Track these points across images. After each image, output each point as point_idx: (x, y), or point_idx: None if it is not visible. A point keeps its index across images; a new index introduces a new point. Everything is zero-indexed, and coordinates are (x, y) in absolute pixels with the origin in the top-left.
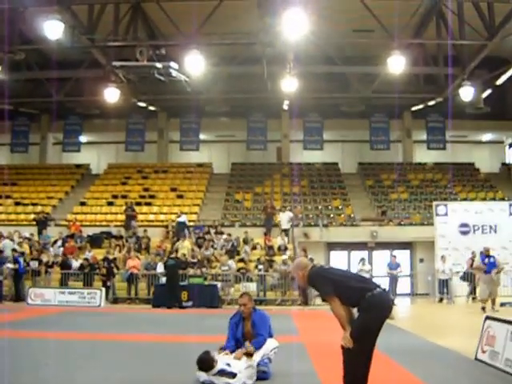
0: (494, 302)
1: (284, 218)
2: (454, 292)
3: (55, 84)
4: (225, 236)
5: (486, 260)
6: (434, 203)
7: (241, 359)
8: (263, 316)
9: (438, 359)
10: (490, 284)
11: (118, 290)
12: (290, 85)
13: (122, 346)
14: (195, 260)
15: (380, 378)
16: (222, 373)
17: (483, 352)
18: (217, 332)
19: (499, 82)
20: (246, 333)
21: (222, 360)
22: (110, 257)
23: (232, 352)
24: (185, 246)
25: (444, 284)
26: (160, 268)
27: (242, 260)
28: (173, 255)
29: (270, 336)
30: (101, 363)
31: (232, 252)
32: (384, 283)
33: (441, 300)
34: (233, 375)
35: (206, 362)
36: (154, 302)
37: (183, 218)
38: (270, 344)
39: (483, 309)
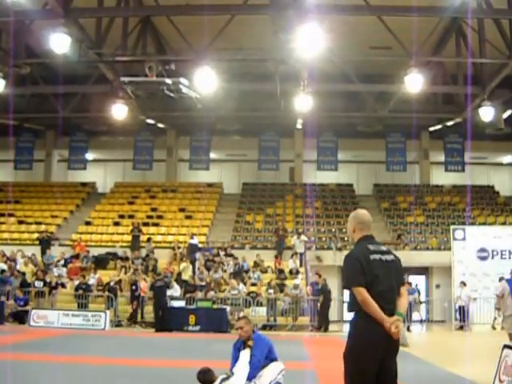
0: None
1: (298, 243)
2: (471, 319)
3: (61, 99)
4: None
5: None
6: (452, 227)
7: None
8: (261, 339)
9: None
10: None
11: (122, 313)
12: (303, 103)
13: (125, 370)
14: (203, 283)
15: None
16: (223, 380)
17: (501, 382)
18: (224, 358)
19: None
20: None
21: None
22: (113, 281)
23: None
24: (190, 269)
25: (462, 311)
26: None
27: (253, 284)
28: (160, 276)
29: (273, 360)
30: None
31: (238, 275)
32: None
33: (461, 328)
34: (232, 373)
35: (207, 375)
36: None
37: (195, 240)
38: (276, 367)
39: None
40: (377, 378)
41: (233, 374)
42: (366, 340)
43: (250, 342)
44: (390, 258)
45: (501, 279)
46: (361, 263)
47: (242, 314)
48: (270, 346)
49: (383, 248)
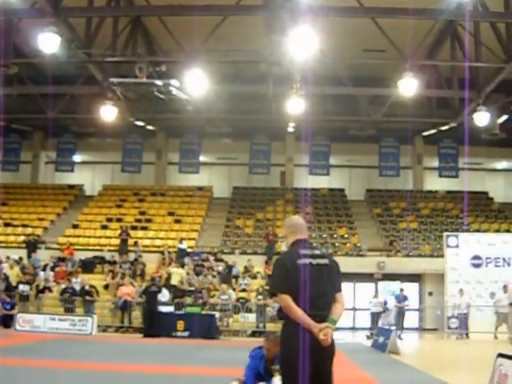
0: None
1: None
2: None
3: (49, 100)
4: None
5: None
6: (445, 234)
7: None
8: None
9: None
10: None
11: (109, 317)
12: (296, 106)
13: (113, 376)
14: (192, 288)
15: None
16: None
17: None
18: (213, 364)
19: None
20: (269, 370)
21: None
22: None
23: None
24: (179, 273)
25: (461, 319)
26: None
27: (242, 290)
28: (154, 281)
29: None
30: None
31: (227, 279)
32: (391, 316)
33: (467, 335)
34: None
35: None
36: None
37: (184, 245)
38: None
39: None
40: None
41: None
42: (293, 348)
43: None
44: (322, 262)
45: (504, 287)
46: (286, 269)
47: (230, 320)
48: None
49: (317, 252)
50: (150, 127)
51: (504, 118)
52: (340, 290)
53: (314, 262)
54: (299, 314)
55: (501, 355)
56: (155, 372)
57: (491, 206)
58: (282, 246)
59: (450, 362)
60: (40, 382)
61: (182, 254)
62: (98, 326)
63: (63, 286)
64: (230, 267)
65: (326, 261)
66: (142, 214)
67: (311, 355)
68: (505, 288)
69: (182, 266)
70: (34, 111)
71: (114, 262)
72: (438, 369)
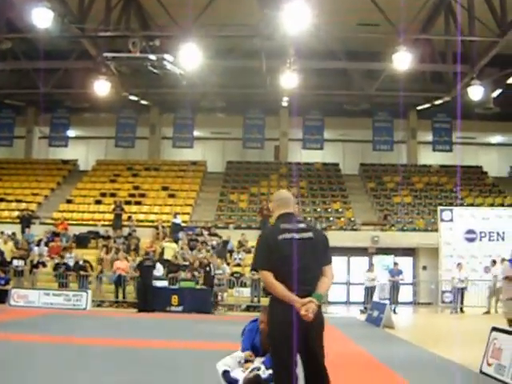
0: None
1: None
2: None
3: (43, 75)
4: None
5: None
6: (439, 208)
7: None
8: None
9: (441, 371)
10: None
11: (104, 292)
12: (289, 80)
13: (108, 351)
14: (187, 263)
15: None
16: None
17: (489, 365)
18: (208, 338)
19: (510, 81)
20: (264, 344)
21: (260, 370)
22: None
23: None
24: (172, 248)
25: (459, 293)
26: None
27: (237, 264)
28: (148, 256)
29: None
30: (87, 368)
31: (222, 253)
32: (385, 290)
33: (461, 310)
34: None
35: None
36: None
37: (178, 220)
38: None
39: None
40: (303, 361)
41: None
42: (277, 324)
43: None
44: (307, 235)
45: (502, 261)
46: (268, 244)
47: (225, 295)
48: None
49: (301, 225)
50: (143, 102)
51: (498, 92)
52: (327, 264)
53: (298, 236)
54: (280, 289)
55: (495, 329)
56: (150, 347)
57: (485, 181)
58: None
59: (445, 336)
60: (35, 356)
61: (175, 228)
62: (93, 301)
63: (57, 261)
64: (225, 242)
65: (310, 234)
66: (136, 188)
67: (297, 330)
68: (494, 263)
69: (176, 240)
70: (28, 86)
71: (108, 237)
72: (432, 343)
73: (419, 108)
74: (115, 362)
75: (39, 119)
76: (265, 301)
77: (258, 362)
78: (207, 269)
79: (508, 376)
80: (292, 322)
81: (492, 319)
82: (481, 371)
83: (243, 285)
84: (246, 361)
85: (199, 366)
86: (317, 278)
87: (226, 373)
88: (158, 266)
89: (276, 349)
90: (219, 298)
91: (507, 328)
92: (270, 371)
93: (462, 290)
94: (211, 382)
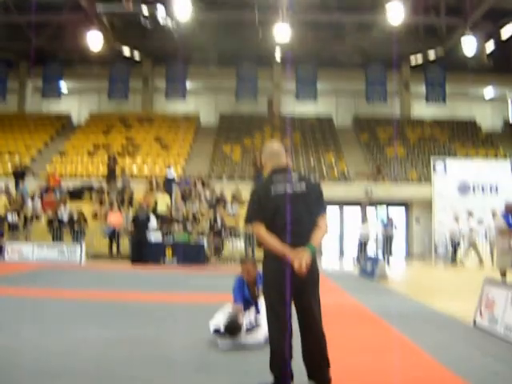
0: None
1: None
2: (452, 254)
3: (35, 28)
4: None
5: (510, 219)
6: (432, 158)
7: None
8: None
9: (433, 323)
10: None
11: (98, 245)
12: (282, 33)
13: (104, 304)
14: (180, 215)
15: (373, 341)
16: (249, 329)
17: (482, 317)
18: (203, 290)
19: (503, 34)
20: (253, 294)
21: (245, 319)
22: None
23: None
24: (165, 200)
25: (457, 245)
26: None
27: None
28: (143, 209)
29: None
30: (78, 322)
31: (215, 207)
32: (378, 243)
33: (461, 262)
34: (258, 325)
35: (237, 329)
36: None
37: (171, 172)
38: None
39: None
40: (298, 314)
41: (257, 325)
42: (271, 276)
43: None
44: (299, 186)
45: (494, 215)
46: (259, 197)
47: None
48: None
49: (294, 177)
50: (136, 55)
51: (491, 45)
52: (321, 214)
53: (290, 187)
54: (271, 242)
55: (488, 282)
56: (145, 299)
57: (478, 134)
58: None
59: (438, 289)
60: (29, 311)
61: (169, 181)
62: (87, 255)
63: (51, 215)
64: (218, 199)
65: (303, 185)
66: (129, 141)
67: (291, 281)
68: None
69: (170, 193)
70: (20, 40)
71: (102, 190)
72: (425, 295)
73: (412, 60)
74: (108, 315)
75: (32, 73)
76: (259, 252)
77: (252, 312)
78: (214, 221)
79: (501, 327)
80: (286, 274)
81: (485, 272)
82: (474, 323)
83: (237, 237)
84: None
85: (192, 318)
86: (310, 229)
87: (216, 332)
88: (152, 219)
89: (270, 301)
90: (212, 250)
91: (500, 280)
92: (257, 318)
93: (459, 243)
94: (204, 334)
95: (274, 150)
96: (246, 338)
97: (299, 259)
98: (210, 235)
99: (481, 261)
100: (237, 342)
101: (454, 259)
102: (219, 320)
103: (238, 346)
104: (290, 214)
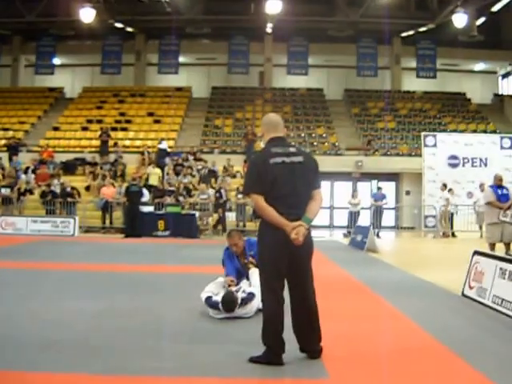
0: (508, 247)
1: None
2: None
3: (27, 3)
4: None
5: (499, 192)
6: (423, 134)
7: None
8: (252, 243)
9: (422, 293)
10: (500, 224)
11: (91, 218)
12: (274, 7)
13: (96, 275)
14: (172, 188)
15: (362, 311)
16: (244, 302)
17: (470, 288)
18: (195, 262)
19: (494, 9)
20: (244, 266)
21: (240, 291)
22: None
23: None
24: (156, 173)
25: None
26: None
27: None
28: (135, 181)
29: None
30: (76, 293)
31: (207, 179)
32: (368, 215)
33: (453, 234)
34: (253, 295)
35: (233, 304)
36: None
37: (164, 145)
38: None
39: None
40: (290, 286)
41: (250, 296)
42: (268, 247)
43: (252, 260)
44: (296, 159)
45: (481, 185)
46: (258, 169)
47: (210, 219)
48: None
49: (291, 149)
50: (128, 29)
51: (482, 19)
52: (317, 188)
53: (288, 160)
54: (270, 213)
55: (477, 253)
56: (138, 271)
57: (468, 107)
58: (261, 145)
59: (428, 260)
60: (22, 282)
61: (161, 154)
62: (80, 227)
63: (44, 189)
64: (210, 171)
65: (300, 158)
66: (122, 114)
67: (286, 252)
68: (481, 187)
69: (162, 166)
70: (13, 15)
71: (95, 164)
72: (415, 266)
73: (403, 35)
74: (100, 286)
75: (25, 48)
76: (250, 225)
77: (245, 284)
78: (218, 194)
79: (489, 299)
80: (282, 245)
81: (474, 243)
82: (463, 294)
83: (228, 209)
84: (229, 286)
85: (184, 289)
86: (306, 201)
87: (208, 299)
88: (145, 191)
89: (266, 274)
90: (204, 222)
91: (489, 252)
92: (250, 290)
93: (452, 215)
94: (196, 305)
95: (273, 122)
96: (239, 310)
97: (297, 231)
98: (215, 208)
99: (444, 234)
100: (231, 315)
101: (448, 231)
102: (211, 288)
103: (230, 316)
104: (288, 185)
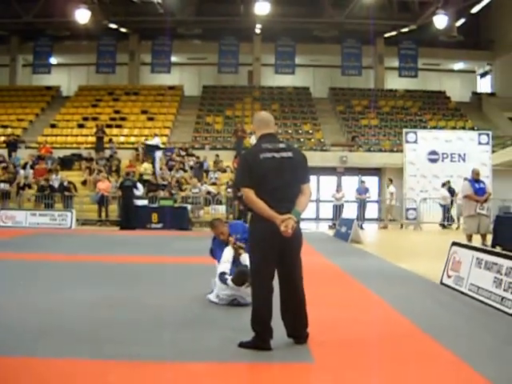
0: (484, 238)
1: None
2: (421, 218)
3: (24, 4)
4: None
5: (476, 185)
6: (404, 130)
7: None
8: (237, 224)
9: (403, 282)
10: (477, 216)
11: (87, 212)
12: (262, 8)
13: (92, 266)
14: (165, 182)
15: (345, 299)
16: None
17: (448, 277)
18: (187, 253)
19: (474, 10)
20: (235, 251)
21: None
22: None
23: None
24: (146, 168)
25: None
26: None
27: (212, 183)
28: (129, 176)
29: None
30: (72, 283)
31: (198, 174)
32: (353, 208)
33: (444, 226)
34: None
35: (246, 276)
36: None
37: (156, 140)
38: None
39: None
40: (280, 277)
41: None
42: (258, 239)
43: (231, 239)
44: (286, 155)
45: (445, 183)
46: (248, 163)
47: (201, 212)
48: (245, 226)
49: (281, 145)
50: (123, 29)
51: (461, 21)
52: (306, 182)
53: (278, 155)
54: (261, 206)
55: (455, 244)
56: (133, 261)
57: (448, 105)
58: (251, 141)
59: (409, 251)
60: (19, 272)
61: (149, 148)
62: (77, 220)
63: (42, 183)
64: (201, 164)
65: (289, 154)
66: (117, 112)
67: (276, 243)
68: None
69: (153, 160)
70: (10, 16)
71: (91, 159)
72: (397, 257)
73: (386, 35)
74: (96, 276)
75: (22, 48)
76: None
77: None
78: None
79: (466, 287)
80: (272, 236)
81: (452, 235)
82: (441, 282)
83: (218, 202)
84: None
85: (179, 278)
86: (296, 195)
87: (222, 274)
88: (139, 185)
89: (256, 262)
90: (196, 215)
91: (466, 243)
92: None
93: (446, 207)
94: (191, 293)
95: (264, 119)
96: (244, 288)
97: (286, 223)
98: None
99: (384, 226)
100: (236, 293)
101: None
102: (228, 266)
103: (233, 299)
104: (278, 179)
